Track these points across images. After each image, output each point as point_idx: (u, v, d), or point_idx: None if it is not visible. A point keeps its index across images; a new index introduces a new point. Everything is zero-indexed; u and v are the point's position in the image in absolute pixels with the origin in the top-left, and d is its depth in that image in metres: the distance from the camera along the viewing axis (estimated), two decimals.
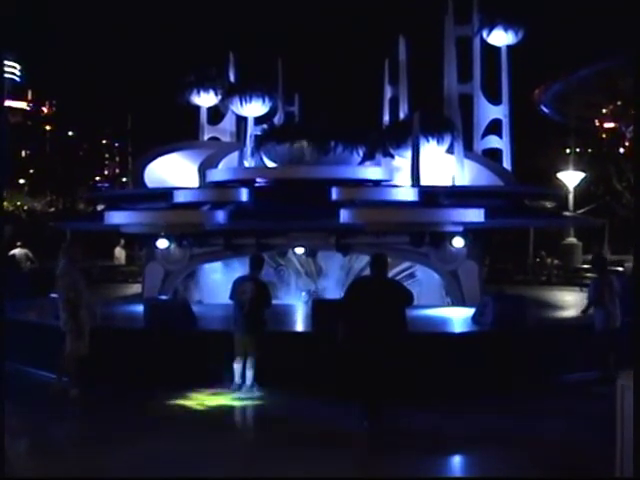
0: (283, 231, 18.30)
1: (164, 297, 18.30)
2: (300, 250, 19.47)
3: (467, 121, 20.15)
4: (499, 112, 20.32)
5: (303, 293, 20.87)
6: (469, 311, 15.89)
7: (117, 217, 17.83)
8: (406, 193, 17.60)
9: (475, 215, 16.98)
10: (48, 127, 55.91)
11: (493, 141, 20.40)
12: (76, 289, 12.65)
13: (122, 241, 37.58)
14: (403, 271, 20.17)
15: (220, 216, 17.27)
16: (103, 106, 49.35)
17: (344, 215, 16.69)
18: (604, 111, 47.36)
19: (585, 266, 32.85)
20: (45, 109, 61.15)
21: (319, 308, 14.46)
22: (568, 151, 47.03)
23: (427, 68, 20.99)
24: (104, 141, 56.22)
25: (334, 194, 17.27)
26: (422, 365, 12.54)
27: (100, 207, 20.64)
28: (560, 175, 42.20)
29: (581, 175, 42.34)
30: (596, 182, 47.86)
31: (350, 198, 17.34)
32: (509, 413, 12.09)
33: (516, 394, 12.99)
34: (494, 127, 20.38)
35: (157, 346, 14.06)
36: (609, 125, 49.53)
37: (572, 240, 40.05)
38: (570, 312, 17.59)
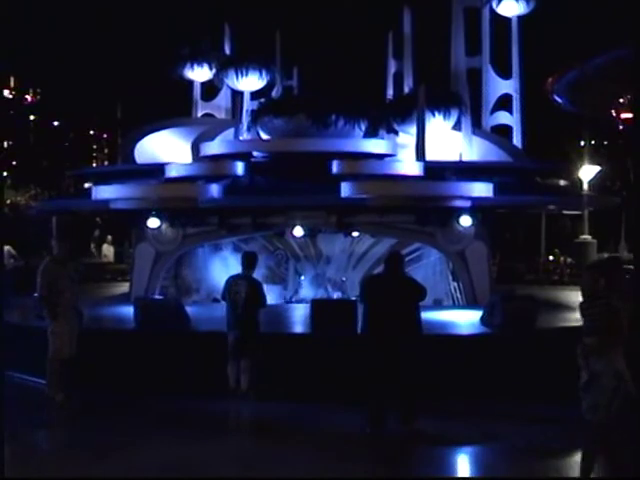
0: (281, 208, 18.38)
1: (158, 297, 18.30)
2: (299, 232, 19.52)
3: (475, 96, 20.27)
4: (509, 87, 20.44)
5: (302, 277, 21.02)
6: (476, 314, 15.72)
7: (105, 192, 17.90)
8: (411, 167, 17.68)
9: (483, 189, 17.07)
10: (32, 117, 56.08)
11: (503, 117, 20.54)
12: (54, 287, 12.54)
13: (109, 237, 37.64)
14: (410, 253, 20.34)
15: (214, 190, 17.38)
16: (91, 94, 49.53)
17: (345, 188, 16.78)
18: (621, 101, 47.43)
19: None
20: (29, 97, 61.44)
21: (318, 309, 14.46)
22: (583, 143, 47.18)
23: (433, 41, 21.11)
24: (92, 131, 56.44)
25: (335, 167, 17.34)
26: (428, 368, 12.35)
27: (88, 185, 20.72)
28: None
29: (597, 169, 42.42)
30: (612, 176, 47.96)
31: (352, 172, 17.43)
32: (518, 419, 12.09)
33: (524, 400, 12.93)
34: (504, 102, 20.50)
35: (147, 348, 13.99)
36: (627, 115, 49.62)
37: (586, 238, 40.06)
38: None
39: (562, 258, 38.23)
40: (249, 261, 13.58)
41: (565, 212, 41.03)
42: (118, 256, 37.56)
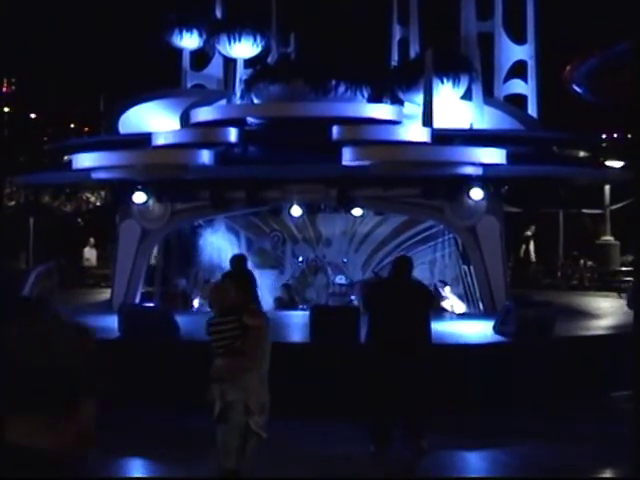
0: (277, 181, 18.42)
1: (145, 305, 18.27)
2: (297, 211, 19.58)
3: (487, 63, 20.31)
4: (524, 53, 20.51)
5: (300, 257, 21.09)
6: (488, 324, 15.68)
7: (87, 160, 17.96)
8: (417, 133, 17.74)
9: (495, 156, 17.12)
10: (7, 109, 56.23)
11: (517, 86, 20.60)
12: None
13: (92, 240, 37.63)
14: (417, 235, 20.45)
15: (205, 157, 17.43)
16: (71, 84, 49.60)
17: (347, 154, 16.83)
18: None
19: (624, 269, 32.97)
20: (3, 87, 61.63)
21: (318, 316, 14.43)
22: (604, 136, 47.28)
23: (441, 3, 21.18)
24: (72, 125, 56.61)
25: (335, 133, 17.38)
26: (437, 380, 12.19)
27: (67, 158, 20.78)
28: None
29: (619, 164, 42.47)
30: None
31: (354, 138, 17.49)
32: (529, 436, 12.05)
33: (538, 413, 12.91)
34: (518, 70, 20.56)
35: (132, 359, 13.82)
36: None
37: (609, 239, 40.02)
38: (605, 321, 17.50)
39: (582, 261, 38.17)
40: (239, 263, 13.60)
41: (585, 211, 41.21)
42: (101, 260, 37.50)
